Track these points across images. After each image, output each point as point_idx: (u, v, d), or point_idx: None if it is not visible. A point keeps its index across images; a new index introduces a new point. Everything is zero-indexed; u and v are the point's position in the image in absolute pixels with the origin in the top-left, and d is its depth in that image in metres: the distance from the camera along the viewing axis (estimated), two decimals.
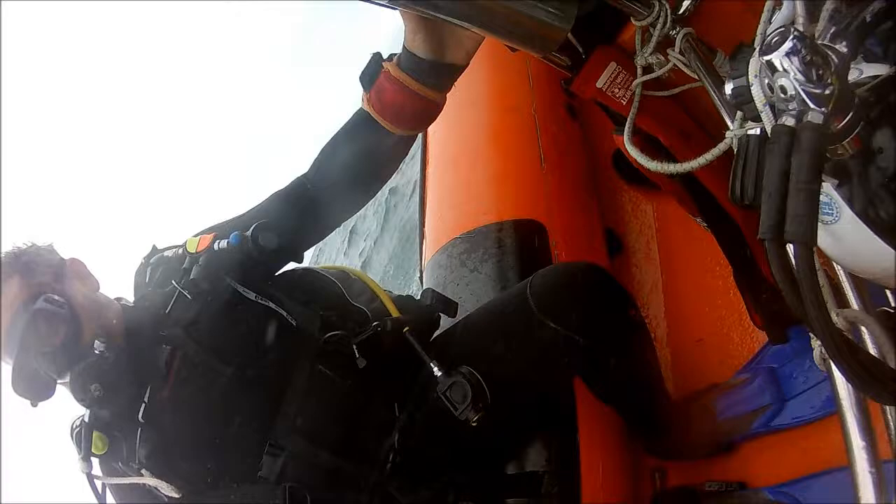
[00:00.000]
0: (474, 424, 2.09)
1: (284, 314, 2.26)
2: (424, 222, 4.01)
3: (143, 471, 2.20)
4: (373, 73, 1.99)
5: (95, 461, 2.25)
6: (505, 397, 2.17)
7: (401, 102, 1.96)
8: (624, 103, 2.01)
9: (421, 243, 3.98)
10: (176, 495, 2.20)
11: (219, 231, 2.33)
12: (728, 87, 1.20)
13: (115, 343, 2.17)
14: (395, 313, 2.42)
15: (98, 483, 2.27)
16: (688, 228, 3.04)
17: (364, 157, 2.17)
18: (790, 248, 0.98)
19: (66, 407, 2.22)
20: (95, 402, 2.13)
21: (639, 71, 1.90)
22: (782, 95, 1.01)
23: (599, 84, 2.00)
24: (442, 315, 2.61)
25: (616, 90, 2.00)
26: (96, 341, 2.13)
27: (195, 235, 2.37)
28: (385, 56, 2.00)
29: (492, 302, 2.70)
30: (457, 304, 2.61)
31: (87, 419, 2.19)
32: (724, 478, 2.52)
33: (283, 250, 2.30)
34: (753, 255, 2.24)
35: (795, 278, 0.98)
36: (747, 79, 1.10)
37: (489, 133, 3.86)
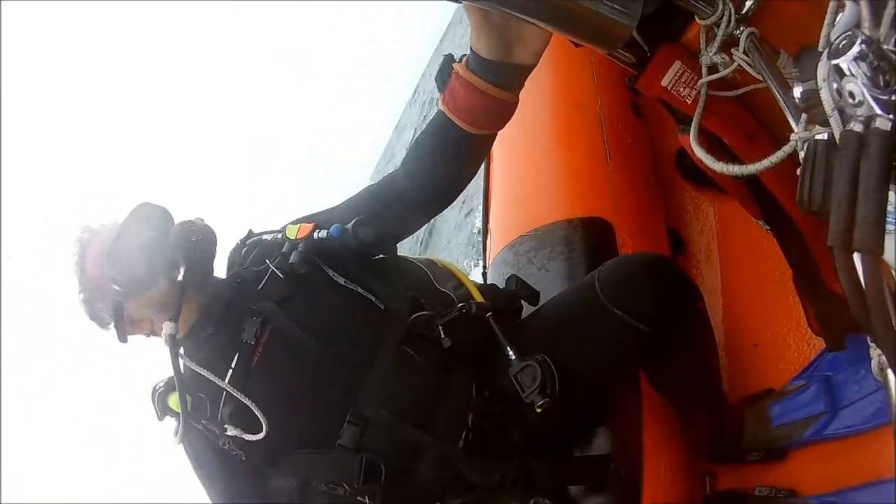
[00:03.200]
0: (539, 410, 2.14)
1: (373, 298, 2.36)
2: (489, 219, 4.01)
3: (226, 426, 2.26)
4: (445, 74, 2.01)
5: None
6: (573, 387, 2.22)
7: (472, 103, 1.96)
8: (689, 102, 1.99)
9: (485, 240, 4.00)
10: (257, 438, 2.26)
11: (318, 221, 2.39)
12: (797, 91, 1.20)
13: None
14: (478, 298, 2.49)
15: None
16: (748, 231, 3.02)
17: (445, 157, 2.19)
18: (856, 255, 0.97)
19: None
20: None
21: (704, 70, 1.88)
22: (850, 101, 1.00)
23: (664, 83, 1.99)
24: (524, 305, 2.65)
25: (681, 89, 1.99)
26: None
27: (293, 223, 2.45)
28: (457, 57, 2.00)
29: (561, 293, 2.73)
30: (538, 293, 2.64)
31: (160, 386, 2.35)
32: (774, 484, 2.50)
33: (380, 244, 2.35)
34: (814, 260, 2.21)
35: (862, 287, 0.97)
36: (816, 83, 1.09)
37: (555, 130, 3.86)
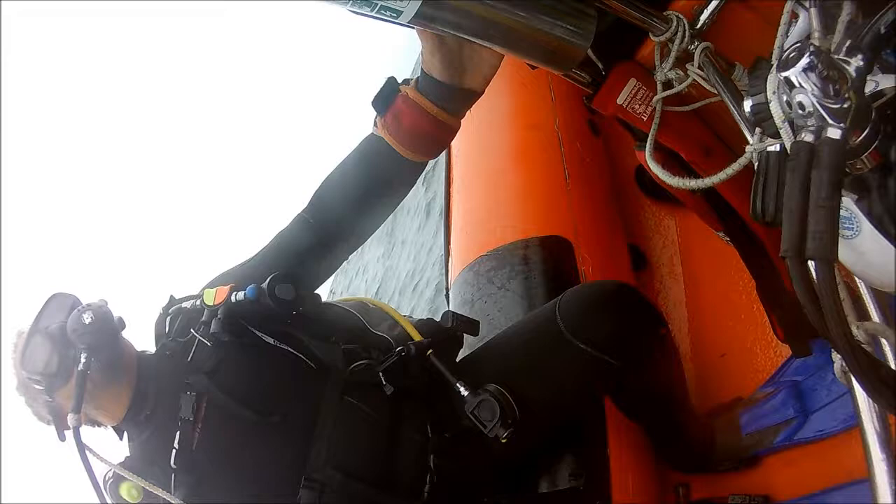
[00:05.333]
0: (504, 441, 2.09)
1: (304, 358, 2.29)
2: (450, 240, 4.03)
3: None
4: (388, 96, 1.98)
5: None
6: (535, 416, 2.18)
7: (419, 126, 1.96)
8: (645, 119, 2.01)
9: (447, 261, 4.00)
10: None
11: (233, 280, 2.32)
12: (747, 105, 1.21)
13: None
14: (416, 337, 2.41)
15: None
16: (711, 243, 3.05)
17: (376, 185, 2.16)
18: (811, 263, 0.99)
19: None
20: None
21: (658, 87, 1.90)
22: (800, 111, 1.02)
23: (620, 100, 2.00)
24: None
25: (636, 106, 2.01)
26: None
27: (208, 286, 2.39)
28: (400, 81, 1.99)
29: (520, 322, 2.70)
30: (478, 322, 2.56)
31: (109, 476, 2.24)
32: (748, 491, 2.51)
33: (299, 298, 2.27)
34: (776, 268, 2.24)
35: (817, 294, 0.99)
36: (766, 96, 1.11)
37: (513, 151, 3.87)
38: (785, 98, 1.04)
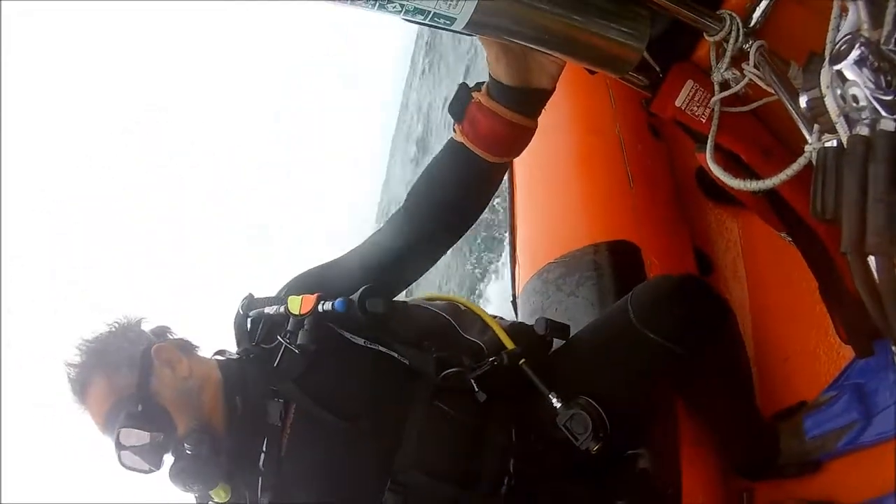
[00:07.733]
0: (594, 453, 2.13)
1: (396, 356, 2.29)
2: (516, 248, 4.03)
3: None
4: (462, 103, 2.00)
5: None
6: (613, 417, 2.19)
7: (496, 131, 1.96)
8: (703, 121, 2.00)
9: (513, 270, 4.00)
10: None
11: (317, 284, 2.36)
12: (802, 101, 1.21)
13: (209, 433, 2.29)
14: (508, 343, 2.41)
15: None
16: (773, 245, 3.02)
17: (462, 188, 2.16)
18: (872, 260, 0.98)
19: None
20: (203, 497, 2.30)
21: (716, 87, 1.89)
22: (854, 105, 1.01)
23: (678, 103, 1.99)
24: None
25: (695, 108, 2.00)
26: (185, 443, 2.25)
27: (290, 289, 2.43)
28: (472, 85, 2.00)
29: (596, 320, 2.73)
30: (569, 326, 2.60)
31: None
32: (811, 497, 2.49)
33: (390, 311, 2.27)
34: (838, 268, 2.21)
35: (878, 291, 0.98)
36: (820, 90, 1.11)
37: (576, 156, 3.87)
38: (839, 91, 1.04)
